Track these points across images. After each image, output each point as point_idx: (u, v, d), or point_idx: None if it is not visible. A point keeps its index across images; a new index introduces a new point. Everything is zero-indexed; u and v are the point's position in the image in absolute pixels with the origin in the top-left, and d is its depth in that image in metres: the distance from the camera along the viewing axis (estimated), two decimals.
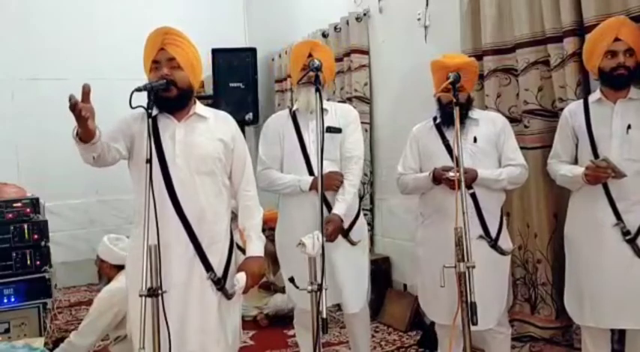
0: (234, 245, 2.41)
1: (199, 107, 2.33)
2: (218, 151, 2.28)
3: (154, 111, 2.22)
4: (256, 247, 2.34)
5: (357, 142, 2.93)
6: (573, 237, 2.61)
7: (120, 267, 3.16)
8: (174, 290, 2.12)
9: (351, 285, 2.87)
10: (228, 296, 2.28)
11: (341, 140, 2.91)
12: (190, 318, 2.20)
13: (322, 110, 2.38)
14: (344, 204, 2.79)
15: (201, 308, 2.22)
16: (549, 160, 2.73)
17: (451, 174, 2.50)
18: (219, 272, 2.26)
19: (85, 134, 1.96)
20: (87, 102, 1.89)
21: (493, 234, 2.67)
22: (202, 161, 2.24)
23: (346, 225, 2.88)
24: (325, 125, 2.82)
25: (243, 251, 5.00)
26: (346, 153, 2.90)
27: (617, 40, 2.42)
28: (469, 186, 2.61)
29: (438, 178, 2.63)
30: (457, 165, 2.29)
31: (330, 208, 2.83)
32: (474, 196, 2.62)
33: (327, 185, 2.77)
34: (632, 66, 2.44)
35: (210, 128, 2.30)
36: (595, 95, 2.56)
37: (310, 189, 2.80)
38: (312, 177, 2.79)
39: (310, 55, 2.78)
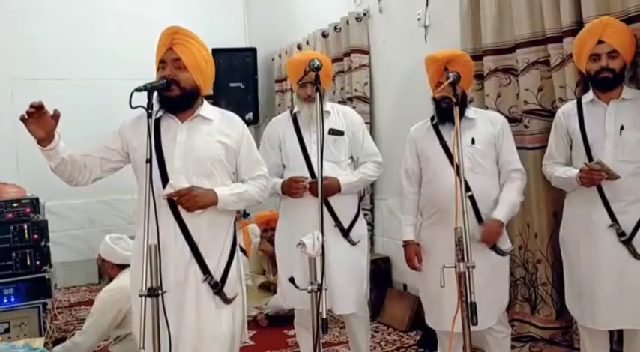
0: (238, 247, 2.39)
1: (205, 108, 2.31)
2: (218, 153, 2.27)
3: (159, 112, 2.23)
4: (223, 189, 2.25)
5: (372, 146, 3.05)
6: (569, 238, 2.60)
7: (122, 267, 3.17)
8: (171, 291, 2.11)
9: (350, 285, 2.88)
10: (227, 301, 2.27)
11: (356, 146, 2.99)
12: (185, 320, 2.20)
13: (322, 111, 2.38)
14: (345, 177, 2.89)
15: (196, 311, 2.21)
16: (544, 161, 2.73)
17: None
18: (218, 275, 2.25)
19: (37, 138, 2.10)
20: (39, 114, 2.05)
21: None
22: (200, 163, 2.24)
23: (346, 225, 2.90)
24: (328, 127, 2.85)
25: (243, 251, 5.01)
26: (362, 159, 3.02)
27: (600, 42, 2.42)
28: (467, 188, 2.60)
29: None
30: (457, 166, 2.27)
31: (330, 209, 2.84)
32: (472, 199, 2.61)
33: (287, 192, 2.87)
34: (617, 68, 2.43)
35: (212, 130, 2.28)
36: (588, 96, 2.56)
37: (283, 192, 2.88)
38: (281, 180, 2.89)
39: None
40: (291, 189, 2.84)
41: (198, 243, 2.21)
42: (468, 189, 2.59)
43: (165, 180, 2.19)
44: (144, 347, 1.81)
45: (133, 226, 2.38)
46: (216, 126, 2.30)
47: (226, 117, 2.37)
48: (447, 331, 2.48)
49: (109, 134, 2.35)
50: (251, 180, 2.35)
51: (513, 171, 2.70)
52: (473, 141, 2.67)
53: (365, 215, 3.60)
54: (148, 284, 1.91)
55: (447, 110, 2.62)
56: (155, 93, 2.10)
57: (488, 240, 2.59)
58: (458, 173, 2.22)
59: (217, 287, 2.23)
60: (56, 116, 2.08)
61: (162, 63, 2.21)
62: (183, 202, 2.16)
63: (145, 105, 2.01)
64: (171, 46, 2.19)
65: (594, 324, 2.50)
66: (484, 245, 2.59)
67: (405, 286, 4.22)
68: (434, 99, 2.74)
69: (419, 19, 3.90)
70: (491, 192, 2.69)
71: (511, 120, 3.05)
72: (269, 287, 4.47)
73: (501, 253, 2.67)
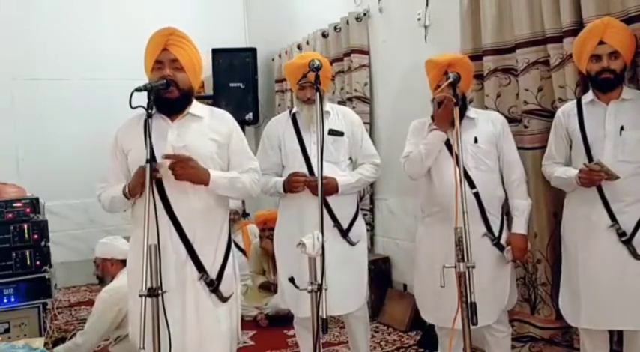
0: (232, 245, 2.39)
1: (194, 107, 2.32)
2: (210, 151, 2.27)
3: (152, 111, 2.23)
4: (216, 171, 2.26)
5: (370, 147, 3.06)
6: (569, 238, 2.60)
7: (124, 262, 3.17)
8: (169, 291, 2.10)
9: (349, 285, 2.87)
10: (223, 299, 2.27)
11: (355, 147, 2.99)
12: (185, 320, 2.20)
13: (322, 111, 2.38)
14: (343, 178, 2.89)
15: (195, 310, 2.21)
16: (544, 161, 2.73)
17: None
18: (214, 274, 2.25)
19: (135, 192, 2.15)
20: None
21: (496, 233, 2.68)
22: None
23: (345, 225, 2.90)
24: (328, 127, 2.86)
25: (243, 251, 4.99)
26: (361, 160, 3.01)
27: (601, 43, 2.42)
28: (472, 185, 2.61)
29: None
30: (457, 167, 2.28)
31: (329, 209, 2.84)
32: (477, 195, 2.63)
33: (289, 187, 2.86)
34: (618, 69, 2.43)
35: (203, 128, 2.29)
36: (588, 96, 2.56)
37: (285, 191, 2.87)
38: (282, 179, 2.89)
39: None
40: (292, 183, 2.84)
41: (193, 241, 2.21)
42: (472, 185, 2.62)
43: (158, 179, 2.18)
44: (144, 347, 1.81)
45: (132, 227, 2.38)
46: (206, 123, 2.31)
47: (216, 114, 2.38)
48: (448, 330, 2.49)
49: (108, 150, 2.35)
50: (243, 173, 2.35)
51: (516, 170, 2.71)
52: (476, 140, 2.68)
53: (365, 215, 3.60)
54: (148, 285, 1.91)
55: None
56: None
57: (520, 257, 2.75)
58: (458, 167, 2.23)
59: (213, 285, 2.24)
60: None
61: (158, 63, 2.21)
62: (177, 169, 2.14)
63: (145, 105, 2.02)
64: (167, 46, 2.19)
65: (592, 324, 2.49)
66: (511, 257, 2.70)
67: (405, 286, 4.22)
68: (434, 99, 2.74)
69: (419, 19, 3.90)
70: (494, 190, 2.70)
71: (511, 120, 3.06)
72: (269, 287, 4.47)
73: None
